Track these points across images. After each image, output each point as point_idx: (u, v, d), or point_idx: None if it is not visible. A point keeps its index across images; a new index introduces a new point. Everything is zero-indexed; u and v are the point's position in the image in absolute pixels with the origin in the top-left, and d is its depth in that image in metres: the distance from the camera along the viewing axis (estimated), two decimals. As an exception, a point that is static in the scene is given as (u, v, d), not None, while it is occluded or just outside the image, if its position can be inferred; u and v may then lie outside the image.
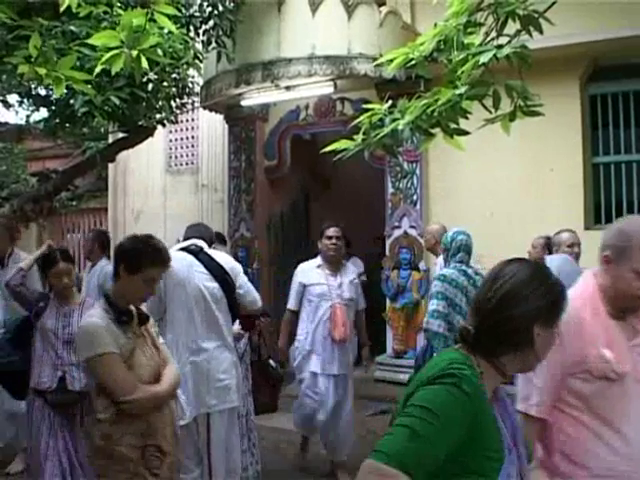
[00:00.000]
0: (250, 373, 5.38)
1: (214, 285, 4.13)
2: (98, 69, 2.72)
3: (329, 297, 5.42)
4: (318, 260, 5.62)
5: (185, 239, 4.40)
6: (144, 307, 3.96)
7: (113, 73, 2.66)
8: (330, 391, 5.39)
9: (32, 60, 2.67)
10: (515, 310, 1.81)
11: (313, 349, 5.44)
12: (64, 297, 4.38)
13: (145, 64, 2.58)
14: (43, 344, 4.27)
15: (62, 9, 2.62)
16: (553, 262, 4.37)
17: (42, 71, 2.64)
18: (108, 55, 2.53)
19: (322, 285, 5.46)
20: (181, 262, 4.08)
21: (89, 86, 3.17)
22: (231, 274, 4.26)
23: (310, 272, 5.57)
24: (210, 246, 4.44)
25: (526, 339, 1.81)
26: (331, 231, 5.52)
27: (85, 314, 3.37)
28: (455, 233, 4.94)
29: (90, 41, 2.70)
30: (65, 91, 3.14)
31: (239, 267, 4.46)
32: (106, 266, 6.30)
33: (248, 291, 4.40)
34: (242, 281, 4.38)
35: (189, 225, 4.67)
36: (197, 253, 4.20)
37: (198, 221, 5.12)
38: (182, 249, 4.25)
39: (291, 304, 5.66)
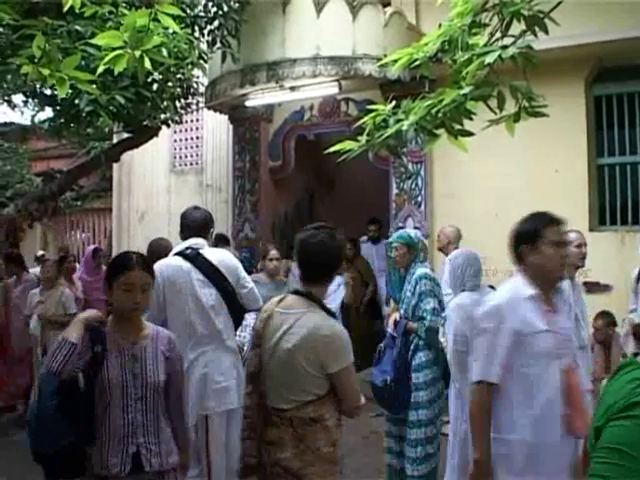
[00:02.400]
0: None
1: (212, 292, 4.07)
2: (101, 69, 2.72)
3: (560, 353, 2.98)
4: (524, 286, 3.06)
5: (182, 235, 4.30)
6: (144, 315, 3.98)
7: (116, 73, 2.66)
8: None
9: (36, 60, 2.67)
10: None
11: (538, 455, 2.88)
12: (131, 328, 3.01)
13: (148, 64, 2.58)
14: (104, 405, 2.87)
15: (66, 8, 2.61)
16: (457, 260, 4.62)
17: (46, 71, 2.63)
18: (111, 55, 2.53)
19: (548, 334, 2.96)
20: (179, 270, 4.05)
21: (94, 86, 3.17)
22: (230, 276, 4.16)
23: (522, 310, 2.98)
24: (209, 234, 4.35)
25: None
26: (560, 232, 3.11)
27: (303, 322, 2.83)
28: (419, 234, 5.12)
29: (93, 41, 2.71)
30: (70, 91, 3.13)
31: (237, 265, 4.33)
32: None
33: (250, 290, 4.31)
34: (244, 280, 4.30)
35: (183, 216, 4.36)
36: (194, 259, 4.10)
37: (193, 206, 4.53)
38: (179, 253, 4.18)
39: (491, 372, 2.97)
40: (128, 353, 2.93)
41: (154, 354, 2.99)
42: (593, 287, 6.54)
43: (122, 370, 2.89)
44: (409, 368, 4.75)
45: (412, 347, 4.79)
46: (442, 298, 4.85)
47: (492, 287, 4.58)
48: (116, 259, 3.11)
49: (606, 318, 6.12)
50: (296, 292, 3.01)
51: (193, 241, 4.19)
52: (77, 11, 2.99)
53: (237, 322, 4.34)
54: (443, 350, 4.75)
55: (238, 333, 4.71)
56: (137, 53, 2.50)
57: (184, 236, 4.29)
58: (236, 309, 4.22)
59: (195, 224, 4.28)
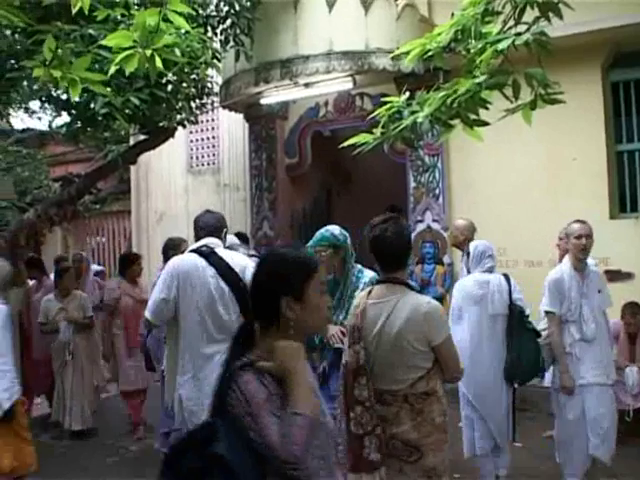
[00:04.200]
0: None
1: (225, 289, 4.06)
2: (112, 69, 2.72)
3: None
4: None
5: (197, 238, 4.32)
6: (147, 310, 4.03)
7: (127, 73, 2.66)
8: None
9: (47, 63, 2.67)
10: None
11: None
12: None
13: (159, 64, 2.57)
14: None
15: (74, 11, 2.61)
16: (478, 247, 4.99)
17: (57, 74, 2.64)
18: (122, 55, 2.53)
19: None
20: (194, 266, 4.05)
21: (108, 88, 3.17)
22: (244, 276, 4.04)
23: None
24: (222, 235, 4.36)
25: None
26: None
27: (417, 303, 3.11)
28: (343, 231, 4.50)
29: (103, 42, 2.70)
30: (84, 94, 3.14)
31: (247, 265, 4.14)
32: None
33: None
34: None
35: (196, 220, 4.38)
36: (208, 255, 4.09)
37: (205, 209, 4.52)
38: (194, 250, 4.20)
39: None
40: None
41: None
42: (615, 275, 6.46)
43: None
44: None
45: None
46: None
47: (505, 275, 4.86)
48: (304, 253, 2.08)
49: (633, 308, 6.05)
50: (381, 281, 3.24)
51: (208, 240, 4.23)
52: (89, 15, 2.99)
53: None
54: None
55: None
56: (148, 52, 2.49)
57: (198, 238, 4.32)
58: (247, 308, 4.18)
59: (208, 227, 4.32)
